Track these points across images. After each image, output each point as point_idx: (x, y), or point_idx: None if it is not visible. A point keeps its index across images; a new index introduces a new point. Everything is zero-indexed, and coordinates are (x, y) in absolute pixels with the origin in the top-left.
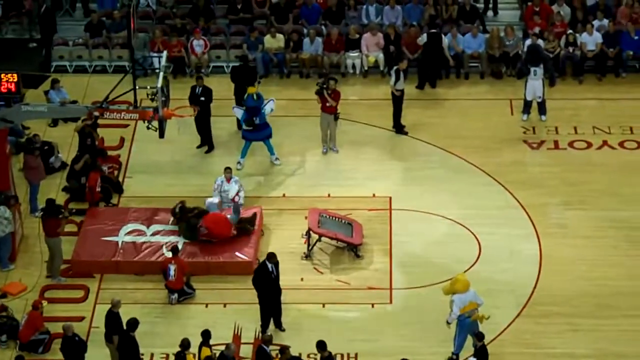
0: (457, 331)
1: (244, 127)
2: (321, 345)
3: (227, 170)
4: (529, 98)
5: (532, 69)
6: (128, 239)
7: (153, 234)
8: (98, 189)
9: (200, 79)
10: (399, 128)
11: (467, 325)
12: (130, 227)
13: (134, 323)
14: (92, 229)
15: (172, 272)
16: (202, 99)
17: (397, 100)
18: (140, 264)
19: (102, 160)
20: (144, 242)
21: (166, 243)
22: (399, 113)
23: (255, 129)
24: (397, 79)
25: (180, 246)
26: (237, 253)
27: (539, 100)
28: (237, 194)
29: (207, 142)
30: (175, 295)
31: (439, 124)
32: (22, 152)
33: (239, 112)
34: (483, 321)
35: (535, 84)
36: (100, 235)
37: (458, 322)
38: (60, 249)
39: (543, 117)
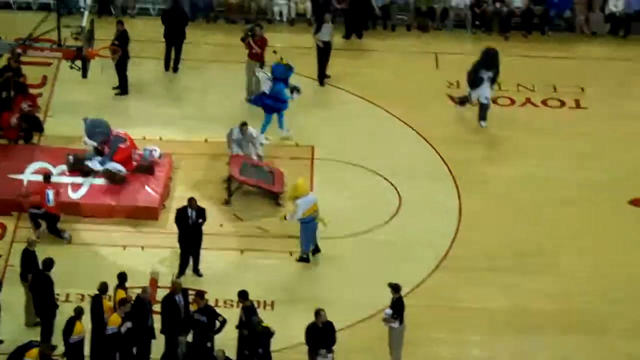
0: (302, 233)
1: (286, 95)
2: (243, 295)
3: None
4: (473, 98)
5: (485, 75)
6: (33, 177)
7: (60, 174)
8: (15, 125)
9: (120, 23)
10: (321, 79)
11: (312, 227)
12: (37, 165)
13: (49, 262)
14: None
15: (51, 197)
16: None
17: (321, 52)
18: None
19: (22, 98)
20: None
21: (71, 183)
22: (322, 64)
23: (276, 99)
24: (319, 29)
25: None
26: (140, 198)
27: (485, 102)
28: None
29: (122, 85)
30: (68, 233)
31: (364, 75)
32: None
33: (266, 82)
34: (324, 225)
35: (485, 90)
36: (6, 172)
37: (302, 224)
38: None
39: (483, 124)
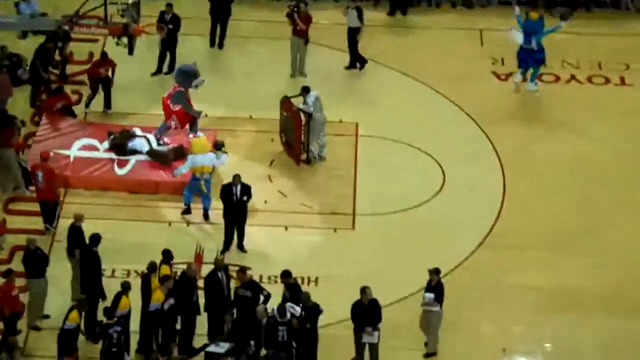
0: (187, 186)
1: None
2: (286, 274)
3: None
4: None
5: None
6: (80, 153)
7: (106, 150)
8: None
9: (169, 6)
10: (353, 63)
11: (194, 185)
12: (84, 142)
13: (96, 238)
14: (45, 139)
15: (39, 179)
16: (170, 26)
17: (348, 37)
18: (89, 179)
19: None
20: (95, 158)
21: (117, 159)
22: (350, 49)
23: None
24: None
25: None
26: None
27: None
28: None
29: (171, 68)
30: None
31: (409, 52)
32: None
33: (518, 35)
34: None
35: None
36: (53, 147)
37: (191, 179)
38: (15, 160)
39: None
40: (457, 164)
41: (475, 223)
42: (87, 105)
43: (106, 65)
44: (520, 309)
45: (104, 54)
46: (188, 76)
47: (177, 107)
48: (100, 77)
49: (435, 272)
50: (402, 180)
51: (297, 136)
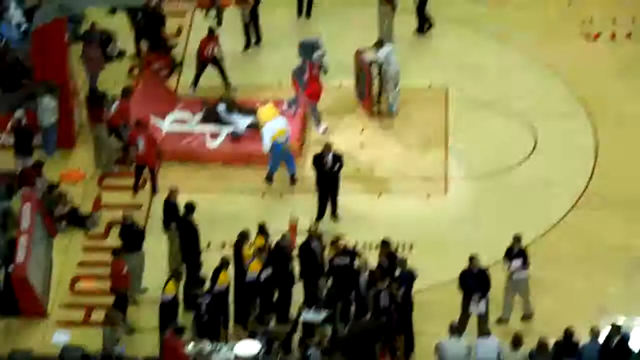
0: (270, 155)
1: None
2: (385, 244)
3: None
4: None
5: None
6: (172, 127)
7: (198, 123)
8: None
9: None
10: (421, 26)
11: (280, 151)
12: (176, 115)
13: (191, 206)
14: (142, 101)
15: (141, 145)
16: None
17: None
18: (183, 152)
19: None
20: (187, 131)
21: (210, 132)
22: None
23: None
24: None
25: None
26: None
27: None
28: None
29: (257, 39)
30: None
31: (496, 15)
32: (80, 39)
33: None
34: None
35: None
36: (148, 112)
37: (272, 148)
38: (107, 136)
39: None
40: (549, 125)
41: (568, 183)
42: (193, 85)
43: (210, 43)
44: (616, 269)
45: (210, 31)
46: (307, 49)
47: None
48: (205, 58)
49: (517, 239)
50: (493, 142)
51: (368, 88)
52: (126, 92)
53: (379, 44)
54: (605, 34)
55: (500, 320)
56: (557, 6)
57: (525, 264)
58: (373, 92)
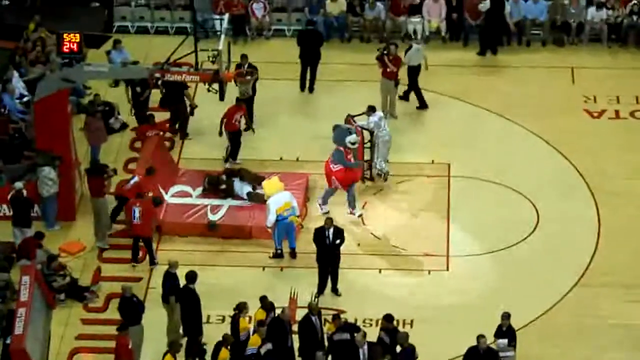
0: (275, 229)
1: None
2: (388, 318)
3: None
4: None
5: None
6: (174, 200)
7: (199, 196)
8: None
9: (244, 57)
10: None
11: (284, 225)
12: (177, 188)
13: (192, 275)
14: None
15: (137, 214)
16: (248, 77)
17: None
18: (184, 225)
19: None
20: (189, 204)
21: (210, 205)
22: (412, 88)
23: None
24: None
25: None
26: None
27: None
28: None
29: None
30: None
31: (500, 90)
32: (83, 112)
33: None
34: (298, 225)
35: None
36: (149, 185)
37: (277, 222)
38: (107, 209)
39: None
40: (550, 202)
41: (571, 260)
42: (226, 160)
43: (238, 112)
44: (620, 347)
45: (237, 100)
46: (341, 134)
47: (336, 168)
48: (236, 129)
49: (506, 317)
50: (495, 220)
51: (360, 153)
52: (150, 171)
53: (371, 110)
54: (609, 111)
55: None
56: (560, 84)
57: (511, 343)
58: (364, 157)
